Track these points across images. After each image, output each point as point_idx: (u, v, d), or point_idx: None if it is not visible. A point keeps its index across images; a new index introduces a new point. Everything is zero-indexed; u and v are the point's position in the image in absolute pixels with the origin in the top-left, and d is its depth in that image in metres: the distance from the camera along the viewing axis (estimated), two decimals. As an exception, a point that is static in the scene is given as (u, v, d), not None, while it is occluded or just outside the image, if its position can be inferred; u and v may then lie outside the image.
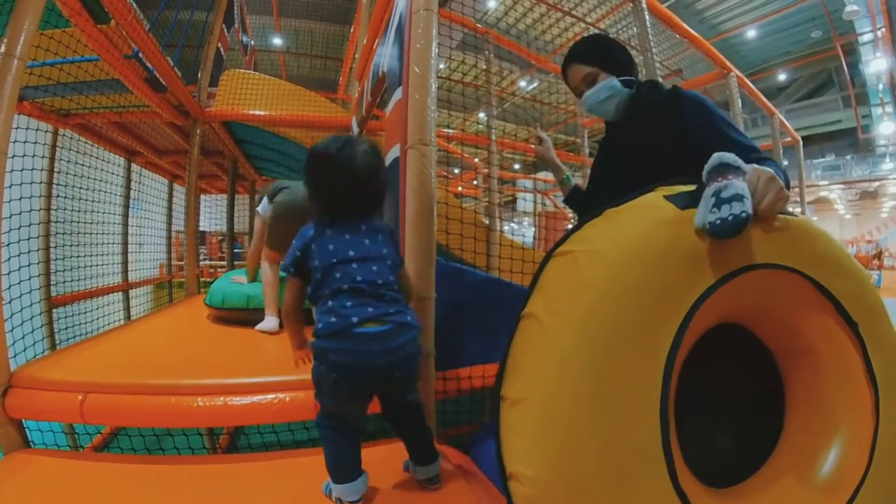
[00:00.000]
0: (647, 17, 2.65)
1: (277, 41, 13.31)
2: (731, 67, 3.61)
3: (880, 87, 13.46)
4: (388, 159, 1.43)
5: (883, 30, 11.39)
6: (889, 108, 14.31)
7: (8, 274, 1.72)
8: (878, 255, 17.61)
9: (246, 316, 2.09)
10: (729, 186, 0.77)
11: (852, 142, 17.89)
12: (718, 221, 0.75)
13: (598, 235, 0.83)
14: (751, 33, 14.76)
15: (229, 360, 1.67)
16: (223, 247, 9.93)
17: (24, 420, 1.33)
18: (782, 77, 18.14)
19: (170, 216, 5.36)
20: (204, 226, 5.65)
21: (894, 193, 18.07)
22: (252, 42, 6.68)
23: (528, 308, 0.85)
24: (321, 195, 1.02)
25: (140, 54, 2.12)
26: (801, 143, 5.25)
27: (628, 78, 1.24)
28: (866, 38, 12.43)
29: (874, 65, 12.86)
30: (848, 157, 18.12)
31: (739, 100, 3.63)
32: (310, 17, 12.69)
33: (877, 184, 17.78)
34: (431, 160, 1.20)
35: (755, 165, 0.84)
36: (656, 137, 1.19)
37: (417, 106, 1.22)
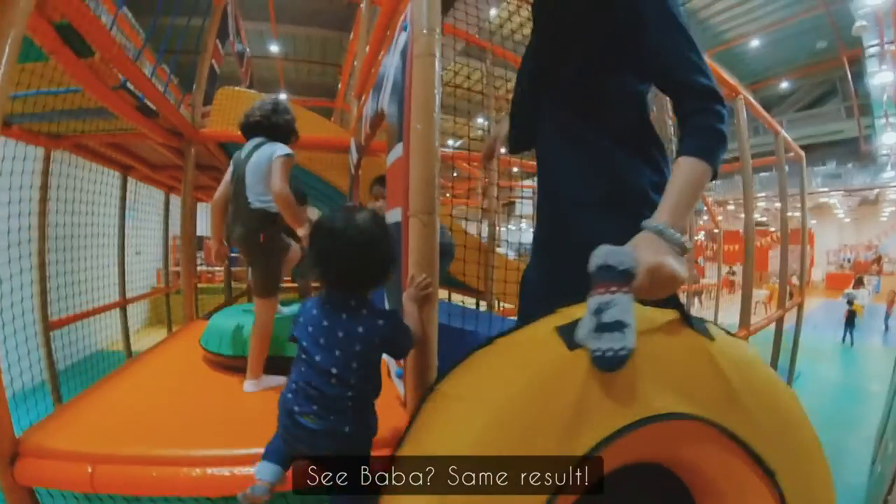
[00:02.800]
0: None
1: (275, 48, 13.17)
2: (738, 90, 3.51)
3: (885, 98, 13.39)
4: (389, 220, 1.33)
5: (891, 45, 11.32)
6: (893, 120, 14.24)
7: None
8: (878, 261, 17.66)
9: (244, 364, 1.96)
10: (611, 306, 0.70)
11: (853, 150, 17.84)
12: (598, 353, 0.70)
13: (480, 379, 0.79)
14: (755, 42, 14.69)
15: (237, 418, 1.58)
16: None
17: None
18: (785, 85, 18.09)
19: (166, 223, 5.29)
20: (201, 231, 5.56)
21: (894, 199, 18.06)
22: (248, 50, 6.56)
23: (400, 449, 0.80)
24: (319, 267, 0.99)
25: (128, 84, 2.02)
26: (804, 159, 5.18)
27: None
28: (872, 50, 12.36)
29: (879, 77, 12.79)
30: (849, 165, 18.07)
31: (746, 121, 3.54)
32: (307, 23, 12.59)
33: (877, 191, 17.76)
34: (435, 230, 1.10)
35: (649, 263, 0.72)
36: (585, 21, 1.03)
37: (419, 170, 1.10)
